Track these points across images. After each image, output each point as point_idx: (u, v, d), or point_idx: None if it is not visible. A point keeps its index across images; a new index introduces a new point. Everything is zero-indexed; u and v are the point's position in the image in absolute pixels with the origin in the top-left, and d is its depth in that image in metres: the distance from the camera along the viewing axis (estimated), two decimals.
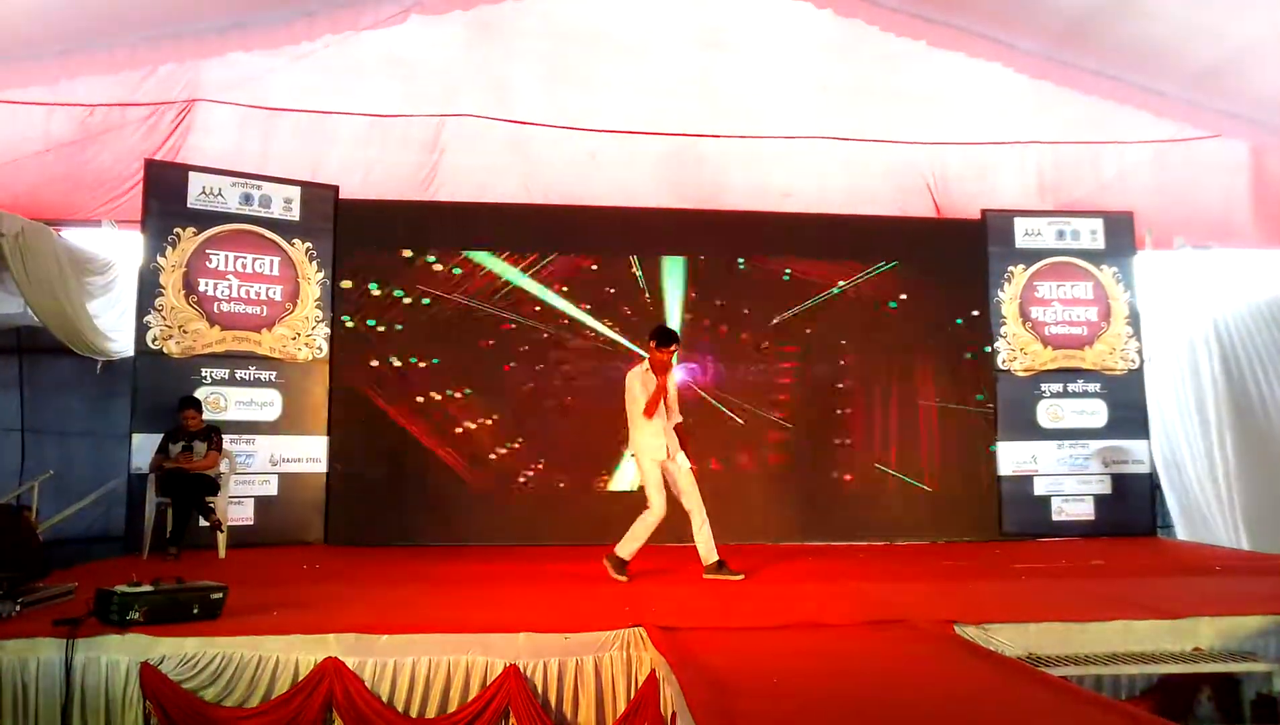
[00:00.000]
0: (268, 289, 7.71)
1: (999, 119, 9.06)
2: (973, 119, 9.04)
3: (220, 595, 4.34)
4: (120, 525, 7.16)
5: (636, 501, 5.91)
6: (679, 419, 5.93)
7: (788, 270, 8.43)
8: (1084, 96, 8.34)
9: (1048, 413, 8.46)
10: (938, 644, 4.00)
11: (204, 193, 7.54)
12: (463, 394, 7.98)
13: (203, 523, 6.64)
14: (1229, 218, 8.96)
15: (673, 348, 5.79)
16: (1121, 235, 8.68)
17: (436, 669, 4.03)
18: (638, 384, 5.79)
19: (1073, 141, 9.11)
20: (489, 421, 7.97)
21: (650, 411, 5.69)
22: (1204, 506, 8.31)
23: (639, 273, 8.27)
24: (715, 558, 5.73)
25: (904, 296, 8.44)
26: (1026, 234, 8.66)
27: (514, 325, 8.10)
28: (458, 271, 8.14)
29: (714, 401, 8.16)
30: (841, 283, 8.42)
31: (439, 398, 7.96)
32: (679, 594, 5.31)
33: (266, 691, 3.96)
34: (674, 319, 8.20)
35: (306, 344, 7.79)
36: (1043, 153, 9.19)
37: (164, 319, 7.33)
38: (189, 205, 7.48)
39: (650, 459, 5.75)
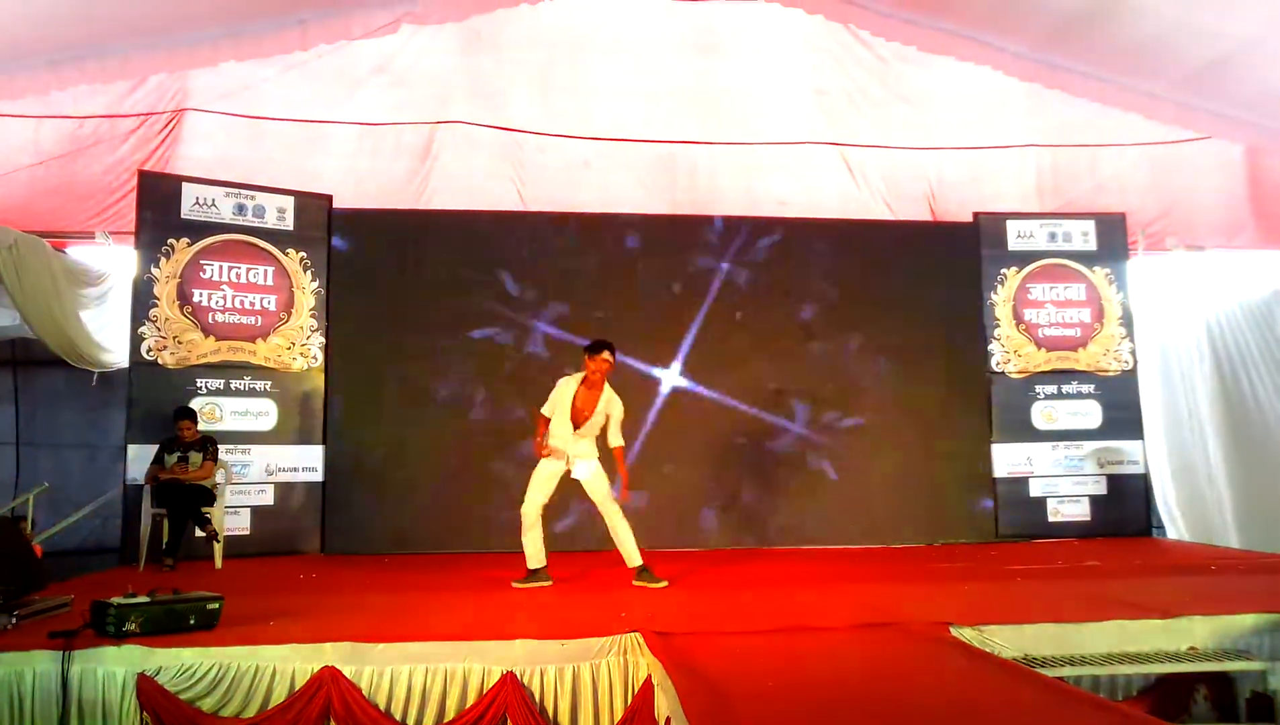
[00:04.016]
0: (262, 299, 7.71)
1: (991, 122, 9.10)
2: (965, 123, 9.08)
3: (217, 605, 4.35)
4: (116, 537, 7.15)
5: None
6: (619, 442, 5.82)
7: (781, 275, 8.42)
8: (1075, 98, 8.38)
9: (1042, 414, 8.48)
10: (934, 646, 4.02)
11: (198, 203, 7.54)
12: (458, 401, 7.96)
13: (199, 533, 6.64)
14: (1224, 218, 8.98)
15: (601, 356, 5.67)
16: (1113, 236, 8.71)
17: (434, 677, 4.03)
18: (558, 390, 5.79)
19: (1066, 145, 9.15)
20: (483, 428, 7.94)
21: (541, 432, 5.78)
22: (1198, 506, 8.33)
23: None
24: (639, 562, 5.74)
25: (897, 300, 8.43)
26: (1019, 236, 8.68)
27: (507, 332, 8.09)
28: (451, 279, 8.12)
29: (709, 400, 8.15)
30: (833, 285, 8.44)
31: (434, 405, 7.94)
32: (675, 599, 5.32)
33: (264, 701, 3.97)
34: (666, 324, 8.20)
35: (301, 353, 7.79)
36: (1037, 156, 9.22)
37: (158, 330, 7.32)
38: (183, 216, 7.47)
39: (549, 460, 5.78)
